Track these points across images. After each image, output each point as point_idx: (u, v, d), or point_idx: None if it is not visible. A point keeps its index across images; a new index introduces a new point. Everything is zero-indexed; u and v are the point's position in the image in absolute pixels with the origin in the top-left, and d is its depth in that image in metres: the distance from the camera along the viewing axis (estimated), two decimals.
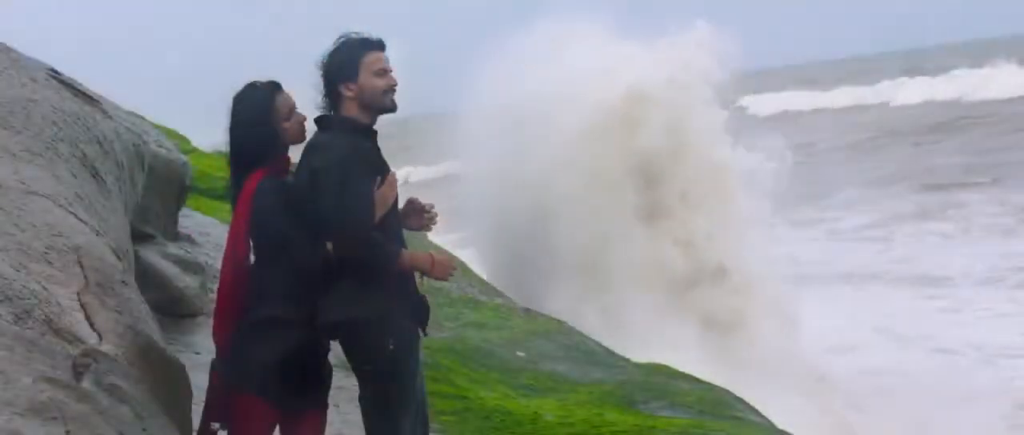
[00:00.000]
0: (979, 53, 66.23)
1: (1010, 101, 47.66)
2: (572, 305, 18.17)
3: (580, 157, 19.56)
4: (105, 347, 3.50)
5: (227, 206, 5.39)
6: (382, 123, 4.03)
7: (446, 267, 3.94)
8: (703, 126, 20.99)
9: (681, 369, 9.37)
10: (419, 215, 4.11)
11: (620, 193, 19.88)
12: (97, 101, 5.56)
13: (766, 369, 16.57)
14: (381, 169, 3.93)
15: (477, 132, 20.79)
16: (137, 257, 6.14)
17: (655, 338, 16.80)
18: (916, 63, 74.01)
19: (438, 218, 4.14)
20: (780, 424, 8.30)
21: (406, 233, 4.11)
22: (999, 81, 52.78)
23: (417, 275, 3.98)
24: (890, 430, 12.86)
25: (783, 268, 20.41)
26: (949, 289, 19.77)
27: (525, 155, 20.01)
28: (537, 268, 19.13)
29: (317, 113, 4.00)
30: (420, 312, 4.02)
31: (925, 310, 18.56)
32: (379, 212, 3.84)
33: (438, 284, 10.31)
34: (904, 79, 62.99)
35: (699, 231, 20.02)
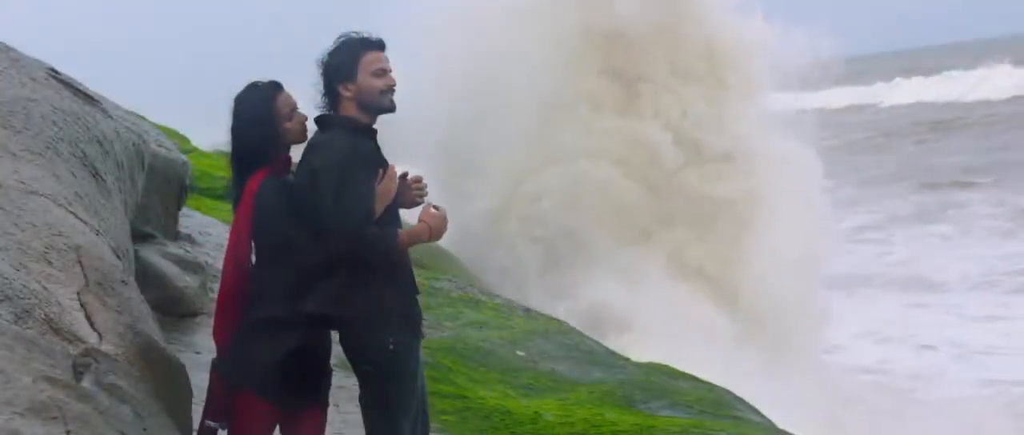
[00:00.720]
0: (974, 53, 66.40)
1: (1007, 101, 47.79)
2: (495, 208, 15.20)
3: (528, 28, 16.25)
4: (105, 347, 3.50)
5: (227, 206, 5.37)
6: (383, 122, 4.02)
7: (441, 226, 3.92)
8: None
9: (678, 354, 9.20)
10: (409, 189, 4.07)
11: (582, 68, 16.66)
12: (97, 101, 5.55)
13: (776, 276, 14.51)
14: (381, 167, 3.92)
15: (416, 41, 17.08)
16: (137, 257, 6.13)
17: (618, 258, 14.31)
18: (912, 63, 74.12)
19: (428, 189, 4.10)
20: (779, 415, 8.30)
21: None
22: (994, 82, 52.94)
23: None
24: (871, 428, 12.81)
25: (812, 164, 17.67)
26: (944, 294, 19.71)
27: (461, 38, 16.59)
28: (464, 174, 15.62)
29: (317, 113, 3.99)
30: (419, 312, 4.02)
31: (918, 314, 18.48)
32: (381, 206, 3.84)
33: (438, 284, 10.36)
34: (900, 79, 63.10)
35: (696, 113, 17.12)
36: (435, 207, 3.95)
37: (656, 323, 13.49)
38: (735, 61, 17.67)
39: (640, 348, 12.34)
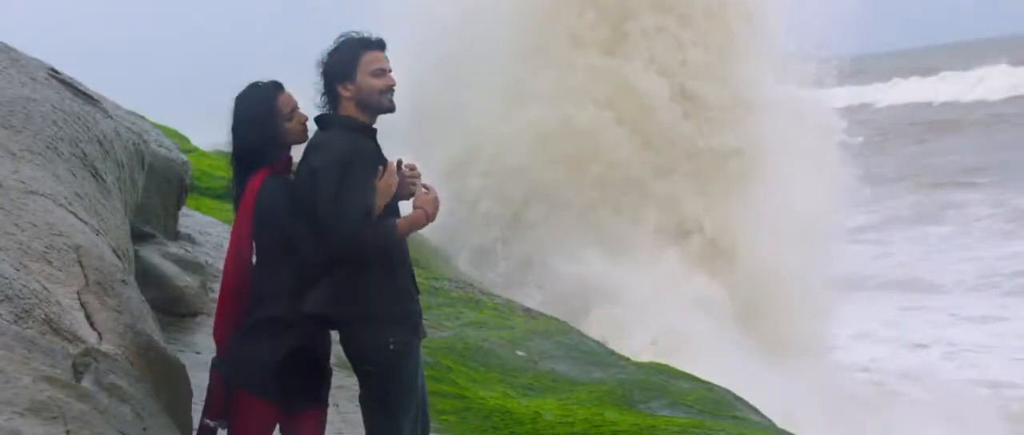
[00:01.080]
0: (972, 54, 66.40)
1: (1004, 101, 47.83)
2: (452, 160, 13.85)
3: None
4: (105, 346, 3.50)
5: (227, 206, 5.36)
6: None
7: (435, 208, 3.90)
8: None
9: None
10: (404, 180, 4.05)
11: (563, 16, 15.18)
12: (97, 101, 5.55)
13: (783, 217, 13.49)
14: (382, 165, 3.92)
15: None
16: (137, 256, 6.12)
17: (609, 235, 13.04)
18: (909, 63, 74.08)
19: (421, 178, 4.08)
20: (778, 414, 8.31)
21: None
22: (992, 82, 52.93)
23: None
24: (867, 428, 12.80)
25: (830, 119, 16.52)
26: (942, 295, 19.71)
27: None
28: (423, 124, 13.79)
29: (317, 113, 3.99)
30: (419, 313, 4.02)
31: (916, 315, 18.47)
32: (382, 202, 3.83)
33: (438, 284, 10.36)
34: (897, 79, 63.07)
35: (696, 61, 15.70)
36: (425, 187, 3.94)
37: (645, 297, 12.53)
38: (742, 6, 16.28)
39: (626, 327, 11.68)
